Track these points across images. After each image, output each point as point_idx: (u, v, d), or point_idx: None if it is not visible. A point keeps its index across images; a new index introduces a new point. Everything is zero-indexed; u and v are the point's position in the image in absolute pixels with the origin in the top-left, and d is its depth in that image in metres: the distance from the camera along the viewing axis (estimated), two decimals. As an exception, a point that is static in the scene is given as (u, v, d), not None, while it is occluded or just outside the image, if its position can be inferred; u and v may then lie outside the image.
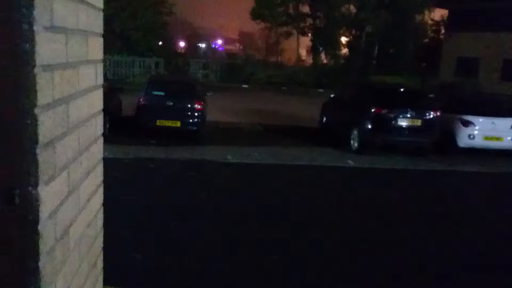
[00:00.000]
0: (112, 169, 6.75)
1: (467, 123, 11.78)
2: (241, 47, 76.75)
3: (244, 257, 5.08)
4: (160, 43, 32.17)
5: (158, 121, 11.01)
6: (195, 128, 11.28)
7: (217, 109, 15.93)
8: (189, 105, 11.21)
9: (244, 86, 29.73)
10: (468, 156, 11.70)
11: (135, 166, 8.69)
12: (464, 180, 9.85)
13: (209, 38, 75.67)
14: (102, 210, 2.30)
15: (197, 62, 32.69)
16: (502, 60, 26.24)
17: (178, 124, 11.08)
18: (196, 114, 11.21)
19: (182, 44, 62.34)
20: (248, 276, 4.67)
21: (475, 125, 11.72)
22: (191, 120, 11.21)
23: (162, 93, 11.42)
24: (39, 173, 1.40)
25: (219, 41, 79.09)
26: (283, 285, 4.57)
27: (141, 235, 5.43)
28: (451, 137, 11.88)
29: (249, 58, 39.44)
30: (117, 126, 11.41)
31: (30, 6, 1.31)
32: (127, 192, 6.83)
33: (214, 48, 74.28)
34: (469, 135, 11.72)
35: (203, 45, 70.74)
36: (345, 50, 40.22)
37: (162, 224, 5.85)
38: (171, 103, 11.17)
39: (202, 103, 11.49)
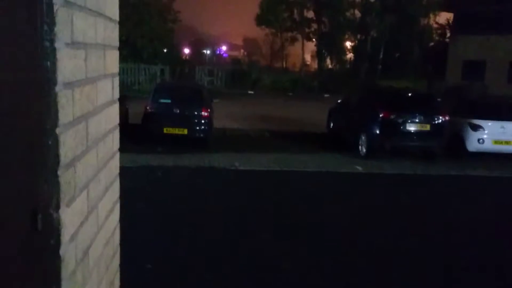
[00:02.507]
0: (121, 178, 6.71)
1: (476, 127, 11.67)
2: (245, 53, 76.85)
3: (256, 266, 5.01)
4: (165, 50, 32.22)
5: (165, 128, 10.99)
6: (202, 135, 11.25)
7: (223, 115, 15.90)
8: (196, 112, 11.18)
9: (249, 92, 29.70)
10: (478, 160, 11.59)
11: (144, 174, 8.64)
12: (475, 185, 9.73)
13: (213, 45, 75.85)
14: (118, 227, 2.24)
15: (202, 68, 32.69)
16: (508, 62, 26.11)
17: (186, 131, 11.05)
18: (203, 121, 11.19)
19: (186, 50, 62.52)
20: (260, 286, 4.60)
21: (484, 129, 11.62)
22: (198, 128, 11.18)
23: (169, 101, 11.40)
24: (61, 195, 1.34)
25: (224, 47, 79.28)
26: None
27: (151, 244, 5.37)
28: (460, 141, 11.78)
29: (253, 65, 39.44)
30: (124, 134, 11.32)
31: (52, 22, 1.26)
32: (136, 200, 6.77)
33: (219, 54, 74.45)
34: (479, 139, 11.62)
35: (207, 52, 70.91)
36: (350, 55, 40.21)
37: (172, 232, 5.79)
38: (178, 111, 11.14)
39: (209, 110, 11.45)
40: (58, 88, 1.31)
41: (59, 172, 1.33)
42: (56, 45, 1.29)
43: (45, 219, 1.29)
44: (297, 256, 5.38)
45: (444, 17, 36.71)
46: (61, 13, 1.30)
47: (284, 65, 52.83)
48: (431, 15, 36.38)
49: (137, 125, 11.84)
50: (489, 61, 26.89)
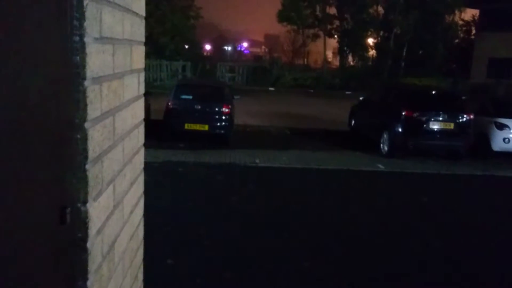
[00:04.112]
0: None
1: (501, 126, 11.45)
2: (266, 50, 76.80)
3: (276, 264, 5.00)
4: (187, 46, 32.40)
5: (186, 124, 11.05)
6: (223, 131, 11.28)
7: (244, 112, 15.92)
8: (217, 109, 11.21)
9: (270, 89, 29.66)
10: (504, 160, 11.36)
11: (165, 170, 8.70)
12: (500, 185, 9.54)
13: (235, 41, 75.97)
14: (143, 221, 2.26)
15: (223, 65, 32.80)
16: (536, 60, 25.51)
17: (206, 127, 11.10)
18: (224, 117, 11.21)
19: (208, 47, 62.75)
20: (280, 285, 4.58)
21: (510, 128, 11.40)
22: (219, 124, 11.21)
23: (190, 97, 11.46)
24: (88, 190, 1.35)
25: (245, 44, 79.33)
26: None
27: (172, 239, 5.41)
28: (485, 140, 11.57)
29: (274, 61, 39.36)
30: (146, 129, 11.41)
31: (81, 17, 1.27)
32: (157, 196, 6.83)
33: (240, 51, 74.53)
34: (504, 139, 11.40)
35: (229, 48, 71.06)
36: (372, 52, 39.76)
37: (193, 228, 5.81)
38: (200, 107, 11.20)
39: (230, 106, 11.48)
40: (87, 83, 1.32)
41: (87, 167, 1.34)
42: (85, 40, 1.30)
43: (73, 213, 1.30)
44: (318, 254, 5.36)
45: (470, 13, 36.02)
46: (90, 8, 1.31)
47: (306, 62, 52.56)
48: (456, 12, 35.69)
49: (158, 121, 11.94)
50: (516, 59, 26.30)
